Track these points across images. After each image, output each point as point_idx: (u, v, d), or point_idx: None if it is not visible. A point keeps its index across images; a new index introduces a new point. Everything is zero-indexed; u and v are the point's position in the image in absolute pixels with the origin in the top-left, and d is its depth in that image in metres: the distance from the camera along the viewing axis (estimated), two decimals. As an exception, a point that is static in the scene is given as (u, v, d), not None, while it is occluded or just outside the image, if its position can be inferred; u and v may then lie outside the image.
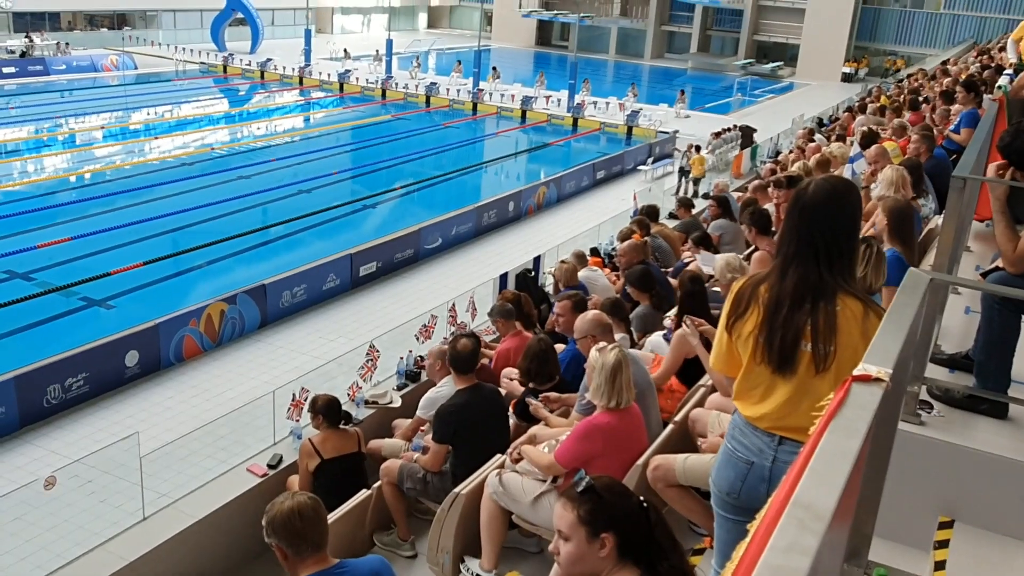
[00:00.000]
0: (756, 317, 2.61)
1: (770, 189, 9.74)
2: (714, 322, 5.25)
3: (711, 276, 6.99)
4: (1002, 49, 17.66)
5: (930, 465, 3.34)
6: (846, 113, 22.22)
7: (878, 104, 18.47)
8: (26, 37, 34.98)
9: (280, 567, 3.27)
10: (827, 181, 2.80)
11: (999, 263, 3.61)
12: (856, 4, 45.29)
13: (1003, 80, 8.18)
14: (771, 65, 46.69)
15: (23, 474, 8.53)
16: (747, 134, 24.76)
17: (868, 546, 2.10)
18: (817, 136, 17.90)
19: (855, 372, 1.47)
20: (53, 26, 37.40)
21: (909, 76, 27.69)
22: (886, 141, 8.26)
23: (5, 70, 32.18)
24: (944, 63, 26.82)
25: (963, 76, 13.92)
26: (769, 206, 9.27)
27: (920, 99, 15.47)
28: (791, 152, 19.51)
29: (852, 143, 11.63)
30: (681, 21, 49.80)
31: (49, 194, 19.85)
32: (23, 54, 33.68)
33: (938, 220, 6.21)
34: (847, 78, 43.54)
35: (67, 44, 36.07)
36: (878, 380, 1.42)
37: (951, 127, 8.66)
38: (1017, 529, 3.28)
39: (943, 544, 3.33)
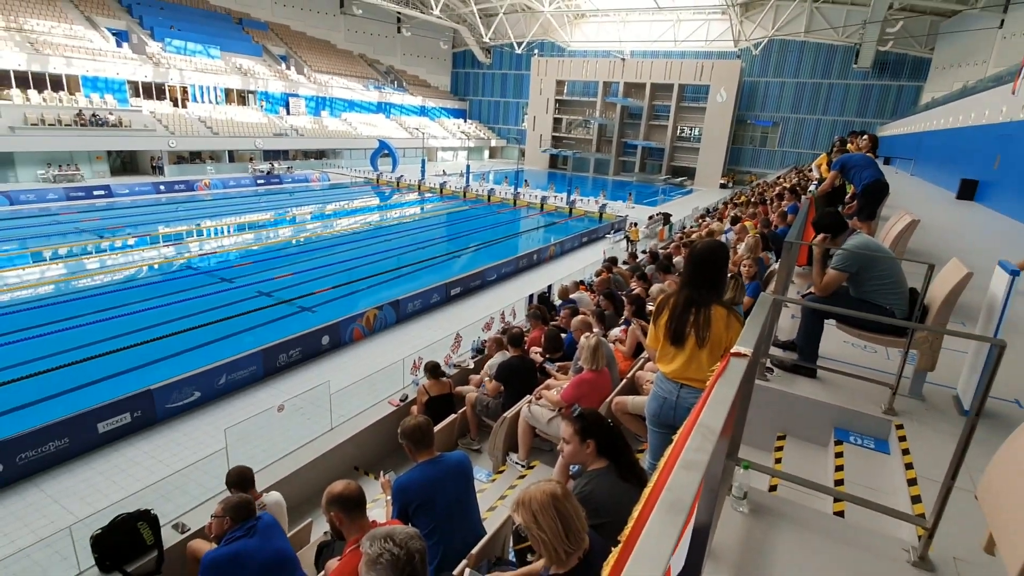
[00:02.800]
0: (665, 316, 2.74)
1: (680, 249, 9.80)
2: (647, 321, 5.39)
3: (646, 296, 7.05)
4: (810, 170, 17.63)
5: (772, 404, 3.37)
6: (722, 206, 22.30)
7: (740, 201, 18.60)
8: (269, 163, 36.07)
9: (407, 457, 3.35)
10: (708, 241, 2.92)
11: (812, 290, 3.69)
12: (728, 145, 45.16)
13: (812, 187, 8.20)
14: (680, 179, 46.45)
15: (266, 405, 8.67)
16: (666, 218, 24.71)
17: (738, 449, 2.13)
18: (707, 219, 17.97)
19: (732, 350, 1.52)
20: (284, 157, 38.41)
21: (757, 185, 27.78)
22: (745, 222, 8.28)
23: (259, 181, 33.12)
24: (777, 178, 26.88)
25: (788, 185, 13.92)
26: (678, 258, 9.31)
27: (764, 198, 15.59)
28: (691, 227, 19.64)
29: (727, 223, 11.65)
30: (630, 154, 49.82)
31: (282, 247, 20.27)
32: (268, 172, 34.73)
33: (775, 266, 6.24)
34: (723, 186, 43.17)
35: (290, 168, 37.03)
36: (744, 355, 1.50)
37: (787, 209, 8.69)
38: (817, 438, 3.34)
39: (779, 449, 3.39)
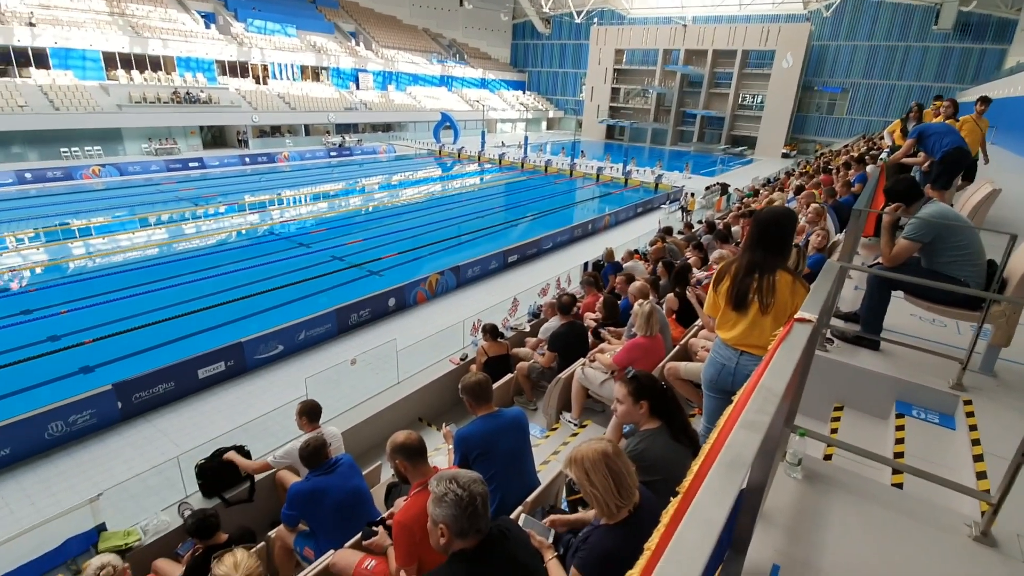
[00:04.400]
0: (727, 282, 2.59)
1: (739, 219, 9.36)
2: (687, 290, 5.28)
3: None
4: (882, 138, 16.23)
5: (830, 374, 3.22)
6: (784, 176, 20.94)
7: (804, 171, 17.46)
8: (341, 136, 36.89)
9: (467, 412, 3.42)
10: (775, 207, 2.72)
11: (880, 260, 3.45)
12: (792, 112, 42.05)
13: (883, 155, 7.55)
14: (740, 148, 43.86)
15: (339, 359, 9.06)
16: (724, 188, 23.54)
17: (795, 417, 2.05)
18: (768, 188, 17.12)
19: (796, 316, 1.44)
20: (354, 131, 39.09)
21: (823, 154, 25.81)
22: (812, 190, 7.77)
23: (331, 153, 33.96)
24: (844, 147, 24.87)
25: (855, 154, 12.87)
26: (736, 228, 8.89)
27: (829, 167, 14.52)
28: (749, 197, 18.63)
29: (789, 192, 10.96)
30: (688, 124, 47.44)
31: (353, 215, 20.87)
32: (340, 145, 35.56)
33: (839, 237, 5.86)
34: (785, 156, 40.35)
35: (360, 140, 37.68)
36: (809, 321, 1.41)
37: (853, 179, 8.06)
38: (877, 410, 3.18)
39: (836, 420, 3.25)
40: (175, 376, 8.28)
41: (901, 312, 3.76)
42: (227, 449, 4.68)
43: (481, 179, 30.37)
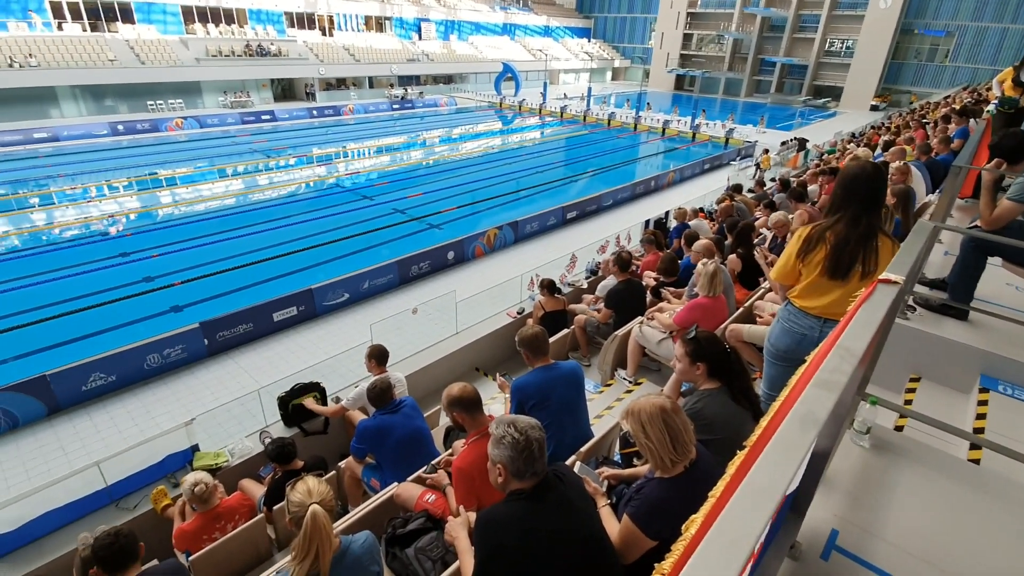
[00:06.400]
0: (823, 250, 2.37)
1: (817, 176, 8.74)
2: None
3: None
4: (989, 88, 14.45)
5: (909, 343, 3.05)
6: (871, 130, 19.08)
7: (893, 125, 15.90)
8: (403, 89, 36.88)
9: (523, 364, 3.48)
10: (862, 162, 2.45)
11: (978, 223, 3.16)
12: (886, 59, 37.90)
13: (991, 106, 6.73)
14: (823, 100, 40.37)
15: (401, 308, 9.35)
16: (802, 143, 21.85)
17: (867, 384, 1.98)
18: (851, 144, 15.72)
19: (880, 277, 1.38)
20: (416, 83, 38.97)
21: (920, 106, 23.19)
22: (903, 145, 7.08)
23: (394, 106, 34.09)
24: (945, 98, 22.22)
25: (957, 106, 11.50)
26: (813, 187, 8.33)
27: (924, 120, 13.09)
28: (829, 153, 17.23)
29: (878, 149, 10.04)
30: (766, 73, 43.96)
31: (414, 168, 21.04)
32: (402, 97, 35.63)
33: (931, 198, 5.37)
34: (874, 108, 36.84)
35: (421, 93, 37.50)
36: (896, 283, 1.33)
37: (952, 134, 7.27)
38: (958, 383, 3.00)
39: (911, 391, 3.10)
40: (253, 318, 8.90)
41: (996, 280, 3.47)
42: (306, 384, 5.07)
43: (542, 133, 29.72)
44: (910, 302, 3.21)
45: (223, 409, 6.60)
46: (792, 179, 10.93)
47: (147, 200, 16.62)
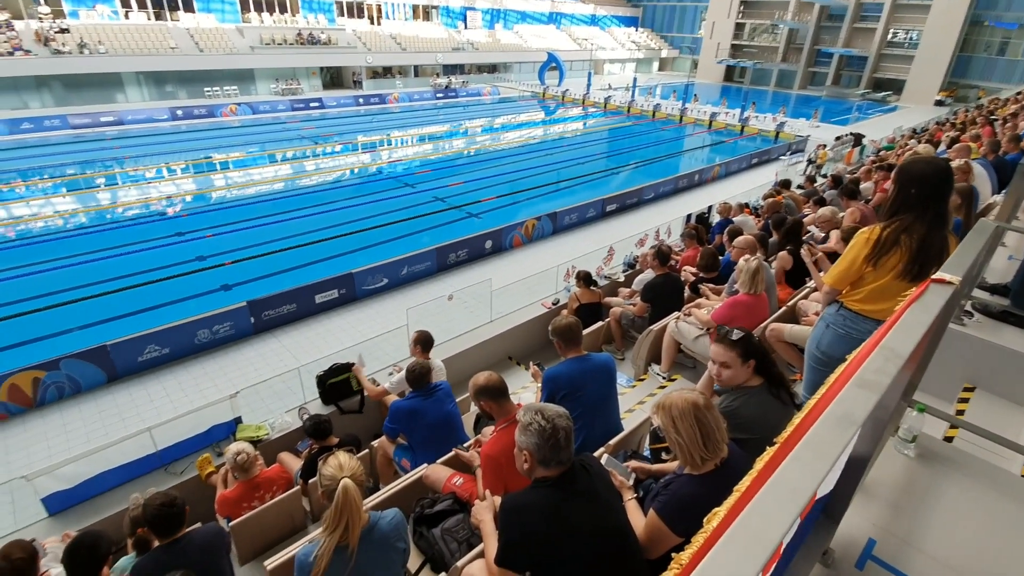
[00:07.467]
0: (900, 254, 2.22)
1: (872, 173, 8.31)
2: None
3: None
4: None
5: (965, 350, 2.89)
6: (934, 126, 17.94)
7: (959, 121, 14.88)
8: (447, 78, 37.04)
9: (556, 355, 3.46)
10: (928, 158, 2.27)
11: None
12: (953, 52, 35.51)
13: None
14: (883, 93, 38.17)
15: (438, 294, 9.46)
16: (858, 139, 20.77)
17: (914, 391, 1.89)
18: (912, 141, 14.80)
19: (934, 276, 1.28)
20: (460, 71, 39.08)
21: (990, 101, 21.65)
22: (968, 142, 6.65)
23: (438, 95, 34.23)
24: (1017, 94, 20.71)
25: None
26: (867, 184, 7.93)
27: (993, 117, 12.18)
28: (886, 150, 16.32)
29: (942, 146, 9.43)
30: (823, 64, 41.95)
31: (455, 157, 21.18)
32: (446, 86, 35.77)
33: (996, 198, 5.03)
34: (939, 103, 34.65)
35: (465, 82, 37.61)
36: (950, 283, 1.25)
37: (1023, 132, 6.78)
38: (1018, 396, 2.82)
39: (964, 400, 2.94)
40: (297, 299, 9.18)
41: (1067, 288, 3.22)
42: (343, 365, 5.21)
43: (584, 124, 29.35)
44: (967, 307, 3.03)
45: (265, 385, 6.85)
46: (846, 176, 10.43)
47: (202, 183, 17.33)
